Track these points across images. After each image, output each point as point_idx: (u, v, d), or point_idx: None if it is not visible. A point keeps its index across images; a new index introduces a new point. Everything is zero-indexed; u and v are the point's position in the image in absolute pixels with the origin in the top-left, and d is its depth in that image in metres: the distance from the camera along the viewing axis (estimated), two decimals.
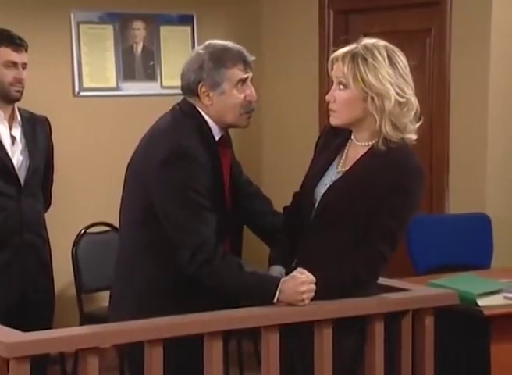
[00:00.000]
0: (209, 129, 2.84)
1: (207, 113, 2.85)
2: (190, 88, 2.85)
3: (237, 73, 2.82)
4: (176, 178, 2.71)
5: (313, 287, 2.65)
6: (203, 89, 2.82)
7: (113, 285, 2.95)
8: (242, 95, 2.83)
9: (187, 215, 2.71)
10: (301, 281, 2.65)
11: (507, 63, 4.88)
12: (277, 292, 2.66)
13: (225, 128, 2.89)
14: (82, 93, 5.28)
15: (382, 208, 2.66)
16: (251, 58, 2.87)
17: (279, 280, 2.68)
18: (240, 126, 2.90)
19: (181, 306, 2.72)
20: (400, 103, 2.66)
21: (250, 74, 2.86)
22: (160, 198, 2.74)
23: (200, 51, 2.85)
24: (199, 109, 2.85)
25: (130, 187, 2.89)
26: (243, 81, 2.84)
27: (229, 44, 2.88)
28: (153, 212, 2.77)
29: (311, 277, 2.65)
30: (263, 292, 2.68)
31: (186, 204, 2.71)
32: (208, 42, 2.89)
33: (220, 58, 2.82)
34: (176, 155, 2.72)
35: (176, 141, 2.75)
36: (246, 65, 2.85)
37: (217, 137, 2.87)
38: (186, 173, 2.71)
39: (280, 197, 3.14)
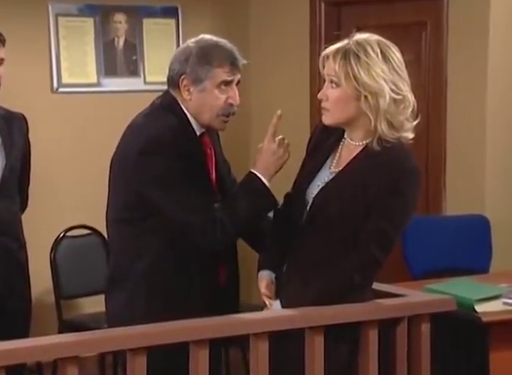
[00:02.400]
0: (189, 123, 2.87)
1: (186, 108, 2.88)
2: (173, 79, 2.89)
3: (222, 74, 2.84)
4: (156, 167, 2.75)
5: (274, 144, 2.80)
6: (184, 82, 2.85)
7: (106, 288, 2.99)
8: (223, 97, 2.85)
9: (178, 197, 2.75)
10: (266, 153, 2.80)
11: (506, 58, 4.89)
12: (262, 180, 2.80)
13: (201, 126, 2.91)
14: (61, 89, 5.27)
15: (377, 210, 2.65)
16: (242, 61, 2.88)
17: (252, 174, 2.81)
18: (215, 128, 2.93)
19: (176, 305, 2.79)
20: (395, 100, 2.65)
21: (236, 77, 2.87)
22: (146, 191, 2.77)
23: (190, 44, 2.88)
24: (180, 103, 2.88)
25: (113, 186, 2.92)
26: (228, 83, 2.85)
27: (222, 42, 2.90)
28: (138, 210, 2.80)
29: (265, 143, 2.81)
30: (258, 194, 2.80)
31: (172, 188, 2.75)
32: (201, 36, 2.92)
33: (207, 55, 2.83)
34: (154, 145, 2.76)
35: (152, 132, 2.79)
36: (233, 67, 2.85)
37: (198, 132, 2.89)
38: (165, 160, 2.75)
39: None
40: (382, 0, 5.25)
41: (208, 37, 2.91)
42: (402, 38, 4.76)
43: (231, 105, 2.87)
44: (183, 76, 2.85)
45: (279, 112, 2.83)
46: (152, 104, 2.94)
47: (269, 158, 2.82)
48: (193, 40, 2.90)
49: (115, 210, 2.91)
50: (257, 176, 2.81)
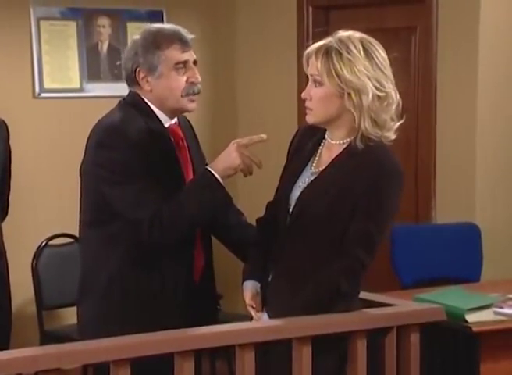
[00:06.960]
0: (155, 115, 2.91)
1: (150, 100, 2.92)
2: (130, 77, 2.94)
3: (174, 54, 2.89)
4: (112, 161, 2.79)
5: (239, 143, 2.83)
6: (141, 74, 2.91)
7: (77, 298, 3.00)
8: (183, 78, 2.90)
9: (126, 193, 2.79)
10: (229, 150, 2.82)
11: (496, 62, 4.91)
12: (215, 174, 2.80)
13: (171, 114, 2.95)
14: (43, 94, 5.26)
15: (359, 211, 2.65)
16: (189, 36, 2.93)
17: (205, 170, 2.84)
18: (184, 110, 2.97)
19: (151, 306, 2.84)
20: (378, 97, 2.67)
21: (190, 55, 2.91)
22: (101, 184, 2.81)
23: (135, 38, 2.95)
24: (143, 98, 2.92)
25: (81, 189, 2.95)
26: (183, 64, 2.89)
27: (165, 25, 2.97)
28: (101, 211, 2.84)
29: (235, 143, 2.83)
30: (209, 188, 2.81)
31: (123, 183, 2.79)
32: (144, 28, 2.98)
33: (154, 41, 2.90)
34: (110, 137, 2.81)
35: (109, 124, 2.85)
36: (183, 44, 2.91)
37: (166, 124, 2.93)
38: (121, 153, 2.79)
39: (256, 203, 3.14)
40: (371, 4, 5.28)
41: (149, 25, 2.98)
42: (391, 43, 4.79)
43: (193, 83, 2.91)
44: (138, 69, 2.91)
45: (264, 136, 2.85)
46: (118, 103, 2.99)
47: (225, 158, 2.84)
48: (137, 35, 2.97)
49: (83, 214, 2.95)
50: (209, 171, 2.84)
